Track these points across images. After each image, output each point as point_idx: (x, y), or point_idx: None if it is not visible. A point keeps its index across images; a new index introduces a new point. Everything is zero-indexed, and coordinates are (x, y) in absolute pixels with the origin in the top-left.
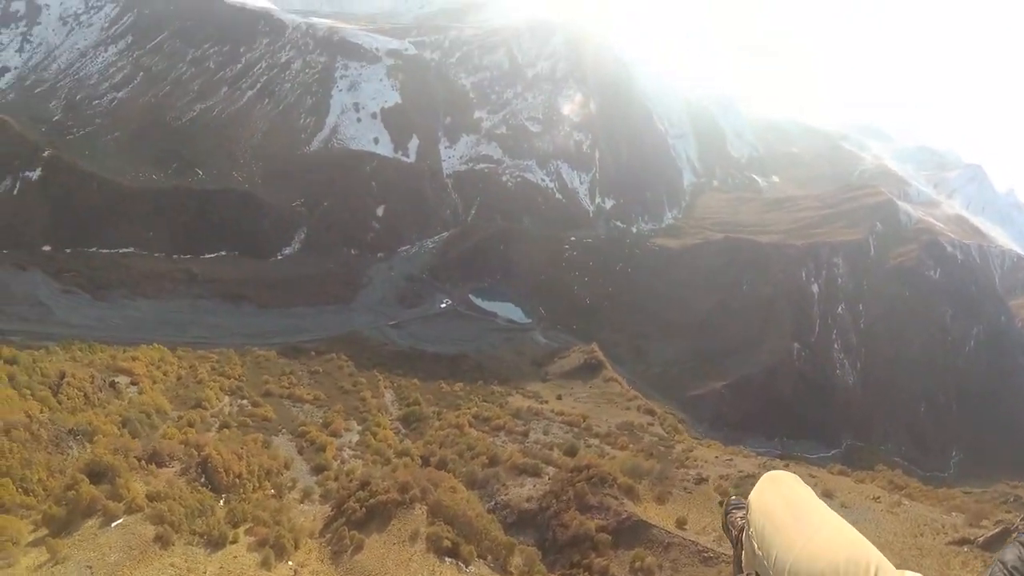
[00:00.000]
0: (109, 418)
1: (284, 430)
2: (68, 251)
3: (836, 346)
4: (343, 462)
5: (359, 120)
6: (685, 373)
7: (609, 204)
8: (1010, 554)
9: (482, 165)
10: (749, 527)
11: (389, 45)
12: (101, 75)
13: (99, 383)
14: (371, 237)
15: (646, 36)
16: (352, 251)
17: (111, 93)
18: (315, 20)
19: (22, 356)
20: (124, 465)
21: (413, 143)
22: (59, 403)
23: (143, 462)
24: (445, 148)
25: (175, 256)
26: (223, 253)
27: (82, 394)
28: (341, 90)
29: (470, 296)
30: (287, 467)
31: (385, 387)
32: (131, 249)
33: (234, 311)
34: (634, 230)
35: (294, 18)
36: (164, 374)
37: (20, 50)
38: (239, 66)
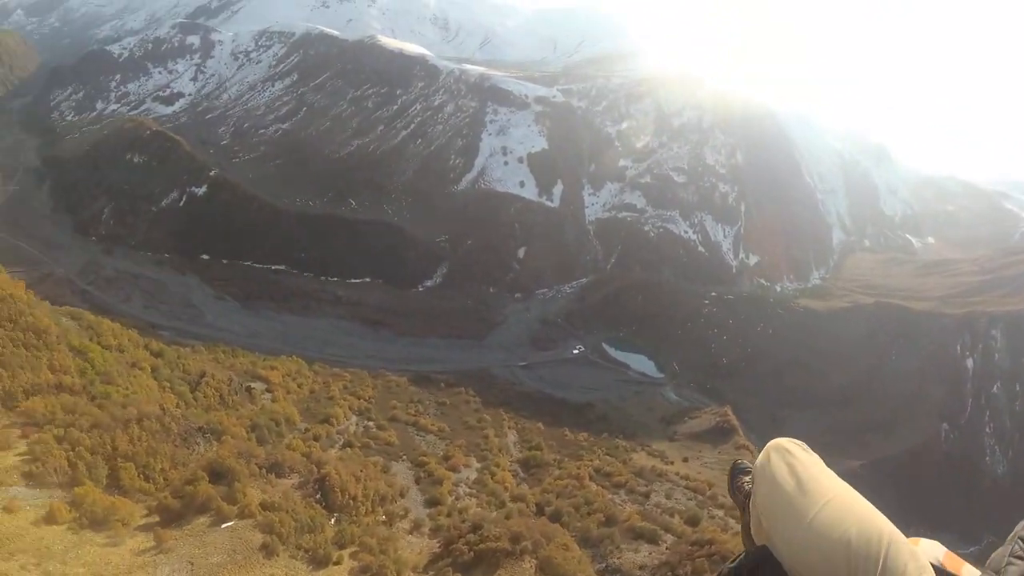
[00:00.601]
0: (240, 421)
1: (404, 457)
2: (224, 262)
3: (988, 430)
4: (457, 498)
5: (506, 163)
6: (820, 447)
7: (753, 260)
8: None
9: (625, 213)
10: (755, 497)
11: (538, 92)
12: (267, 107)
13: (236, 386)
14: (510, 277)
15: (796, 85)
16: (491, 289)
17: (276, 124)
18: (468, 67)
19: (168, 351)
20: (244, 470)
21: (557, 188)
22: (195, 400)
23: (263, 470)
24: (589, 195)
25: (323, 278)
26: (368, 280)
27: (218, 395)
28: (490, 134)
29: (604, 345)
30: (402, 495)
31: (509, 427)
32: (282, 267)
33: (372, 335)
34: (778, 289)
35: (448, 64)
36: (298, 386)
37: (194, 79)
38: (395, 107)
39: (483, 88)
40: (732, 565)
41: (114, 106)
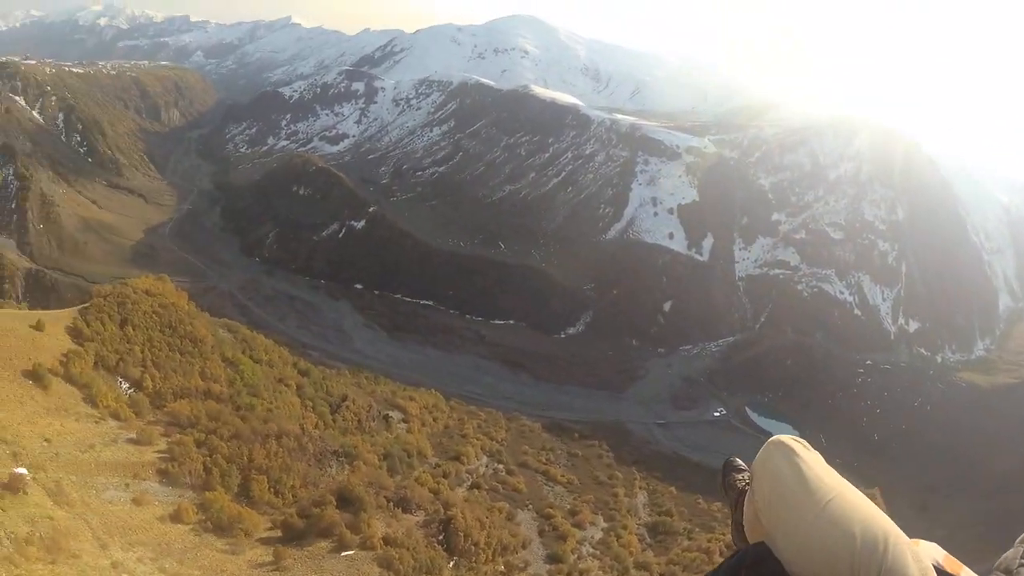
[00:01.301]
0: (374, 448)
1: (530, 506)
2: (376, 293)
3: None
4: (580, 558)
5: (655, 214)
6: (976, 540)
7: (913, 327)
8: None
9: (777, 271)
10: (753, 494)
11: (689, 142)
12: (425, 151)
13: (374, 413)
14: (654, 331)
15: (961, 135)
16: (634, 341)
17: (433, 167)
18: (618, 116)
19: (314, 371)
20: (372, 501)
21: (707, 242)
22: (334, 421)
23: (390, 504)
24: (740, 250)
25: (468, 316)
26: (511, 322)
27: (356, 419)
28: (640, 184)
29: (746, 409)
30: (524, 547)
31: (640, 488)
32: (430, 302)
33: (511, 377)
34: (939, 359)
35: (599, 114)
36: (434, 419)
37: (358, 122)
38: (547, 155)
39: (634, 138)
40: (732, 561)
41: (284, 142)
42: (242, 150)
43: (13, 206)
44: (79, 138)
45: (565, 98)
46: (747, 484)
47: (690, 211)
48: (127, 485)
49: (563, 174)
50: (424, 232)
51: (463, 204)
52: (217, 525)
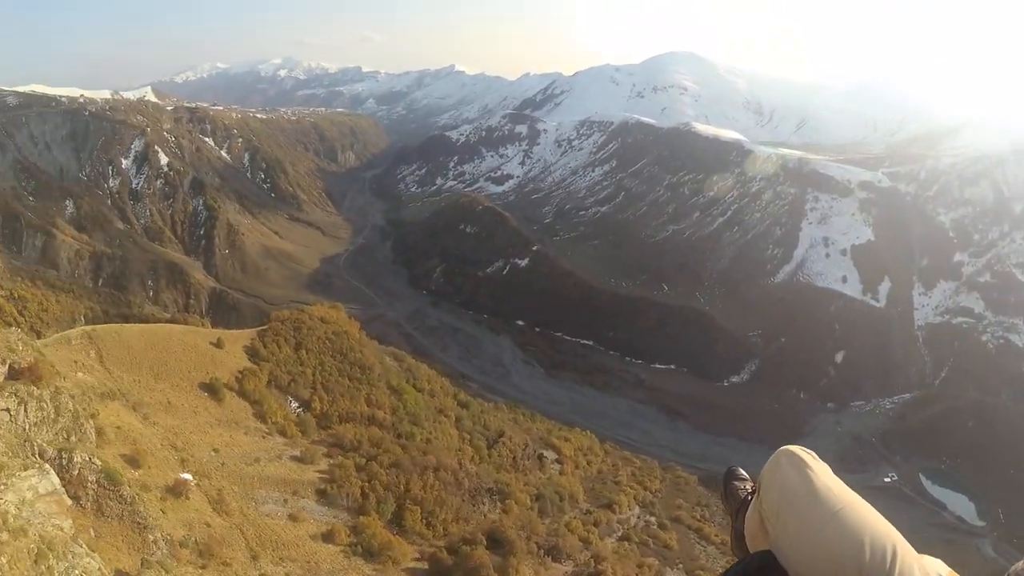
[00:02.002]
0: (527, 488)
1: (681, 566)
2: (536, 330)
3: None
4: None
5: (827, 256)
6: None
7: None
8: None
9: (960, 319)
10: (760, 503)
11: (861, 177)
12: (588, 191)
13: (529, 451)
14: (824, 383)
15: None
16: (801, 394)
17: (595, 207)
18: (784, 151)
19: (473, 404)
20: (523, 546)
21: (884, 286)
22: (490, 457)
23: (541, 551)
24: (919, 295)
25: (627, 358)
26: (672, 367)
27: (512, 456)
28: (811, 223)
29: (920, 476)
30: None
31: None
32: (590, 342)
33: (668, 425)
34: None
35: (764, 149)
36: (588, 462)
37: (522, 163)
38: (711, 193)
39: (802, 173)
40: (737, 569)
41: (451, 183)
42: (412, 189)
43: (202, 232)
44: (263, 175)
45: (728, 134)
46: (749, 494)
47: (865, 252)
48: (286, 501)
49: (728, 213)
50: (586, 271)
51: (625, 244)
52: (367, 550)
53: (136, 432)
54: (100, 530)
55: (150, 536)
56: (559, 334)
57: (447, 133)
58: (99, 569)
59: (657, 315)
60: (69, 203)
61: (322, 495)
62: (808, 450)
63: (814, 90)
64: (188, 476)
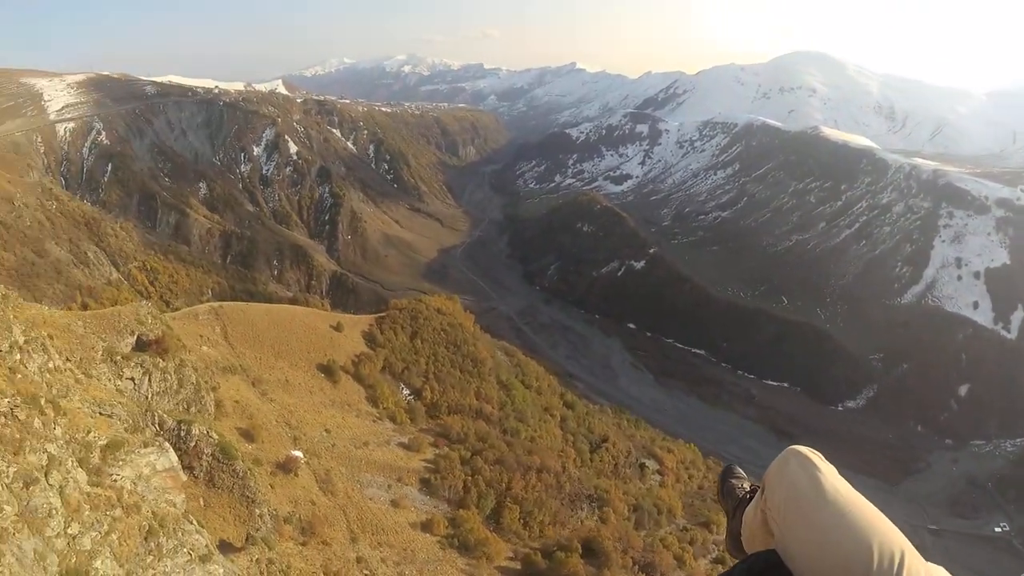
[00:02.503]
0: (626, 497)
1: None
2: (648, 334)
3: None
4: None
5: (959, 278)
6: None
7: None
8: None
9: None
10: (765, 502)
11: (999, 193)
12: (708, 194)
13: (631, 459)
14: (944, 418)
15: None
16: (919, 427)
17: (715, 211)
18: (918, 161)
19: (579, 405)
20: (618, 560)
21: (1017, 315)
22: (591, 461)
23: (636, 567)
24: None
25: (739, 372)
26: (785, 385)
27: (613, 463)
28: (944, 241)
29: None
30: None
31: None
32: (702, 352)
33: (775, 445)
34: None
35: (897, 158)
36: (689, 477)
37: (642, 163)
38: (838, 203)
39: (937, 187)
40: (742, 567)
41: (570, 180)
42: (531, 186)
43: (327, 218)
44: (386, 167)
45: (858, 140)
46: (747, 493)
47: (999, 276)
48: (390, 487)
49: (856, 225)
50: (703, 278)
51: (745, 252)
52: (463, 543)
53: (253, 407)
54: (210, 500)
55: (257, 510)
56: (670, 340)
57: (567, 131)
58: (206, 546)
59: (774, 329)
60: (203, 185)
61: (425, 484)
62: (815, 451)
63: (951, 95)
64: (299, 454)
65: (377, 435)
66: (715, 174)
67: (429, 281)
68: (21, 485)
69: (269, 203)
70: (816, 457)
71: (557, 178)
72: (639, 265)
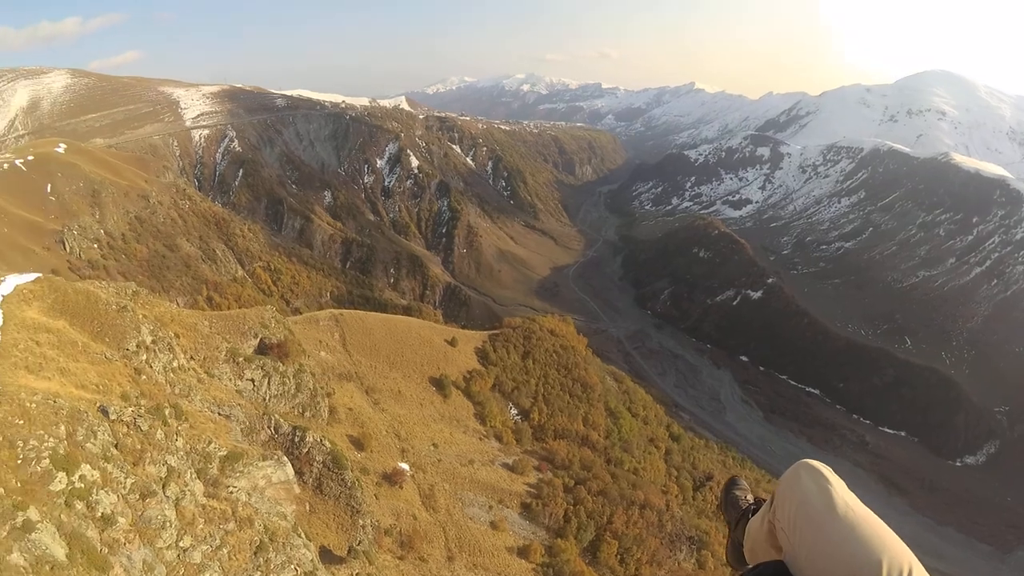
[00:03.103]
0: (725, 540)
1: None
2: (760, 369)
3: None
4: None
5: None
6: None
7: None
8: None
9: None
10: (774, 514)
11: None
12: (831, 223)
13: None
14: None
15: None
16: None
17: (838, 242)
18: None
19: (684, 438)
20: None
21: None
22: (693, 500)
23: None
24: None
25: (853, 416)
26: (902, 433)
27: (716, 502)
28: None
29: None
30: None
31: None
32: (816, 391)
33: (885, 499)
34: None
35: None
36: None
37: (762, 188)
38: (969, 238)
39: None
40: (752, 574)
41: (687, 203)
42: (646, 207)
43: (444, 231)
44: (504, 183)
45: (991, 169)
46: (751, 505)
47: None
48: (491, 507)
49: (988, 263)
50: (822, 312)
51: (868, 286)
52: (558, 574)
53: (365, 416)
54: (316, 506)
55: (360, 521)
56: (784, 377)
57: (685, 152)
58: (311, 560)
59: (894, 372)
60: (327, 193)
61: (526, 509)
62: (825, 465)
63: None
64: (406, 466)
65: (483, 453)
66: (839, 202)
67: (540, 298)
68: (138, 496)
69: (389, 213)
70: (827, 471)
71: (674, 200)
72: (756, 295)
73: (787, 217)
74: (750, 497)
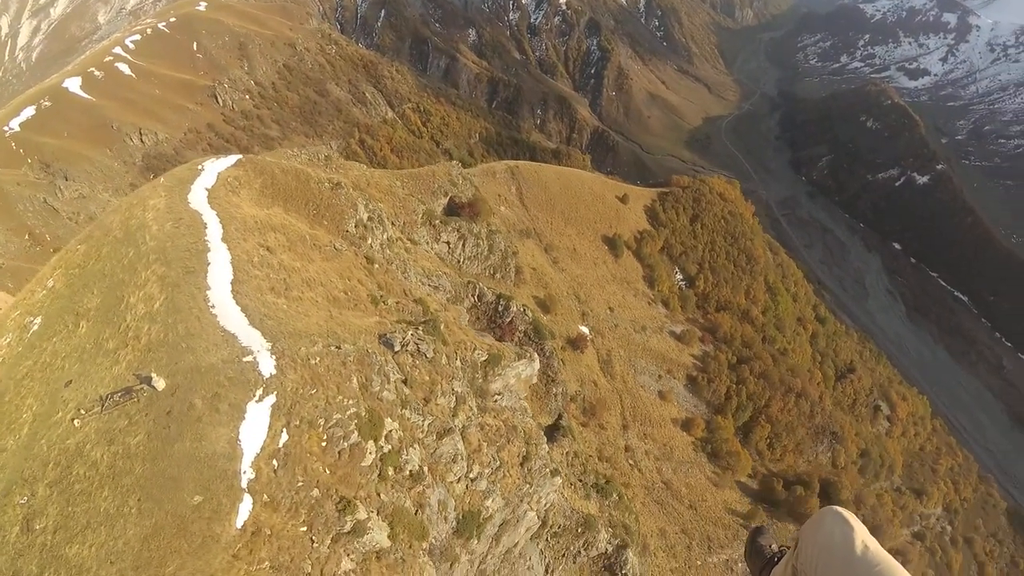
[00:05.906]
0: (857, 438)
1: None
2: (912, 261)
3: None
4: None
5: None
6: None
7: None
8: None
9: None
10: (797, 558)
11: None
12: (1015, 116)
13: (871, 398)
14: None
15: None
16: None
17: (1019, 139)
18: None
19: (830, 321)
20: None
21: None
22: (834, 390)
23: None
24: None
25: (997, 334)
26: None
27: (853, 397)
28: None
29: None
30: None
31: None
32: (965, 298)
33: (1008, 433)
34: None
35: None
36: (915, 434)
37: (943, 60)
38: None
39: None
40: None
41: (857, 64)
42: (811, 62)
43: (592, 72)
44: (657, 23)
45: None
46: (775, 555)
47: None
48: (660, 377)
49: None
50: (989, 214)
51: None
52: (714, 451)
53: (548, 276)
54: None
55: (554, 389)
56: (934, 275)
57: (861, 5)
58: (547, 453)
59: None
60: (472, 31)
61: (691, 382)
62: (850, 511)
63: None
64: (586, 330)
65: (652, 319)
66: None
67: (690, 150)
68: (434, 437)
69: (536, 52)
70: (850, 516)
71: (843, 59)
72: (921, 180)
73: (967, 98)
74: (775, 546)
